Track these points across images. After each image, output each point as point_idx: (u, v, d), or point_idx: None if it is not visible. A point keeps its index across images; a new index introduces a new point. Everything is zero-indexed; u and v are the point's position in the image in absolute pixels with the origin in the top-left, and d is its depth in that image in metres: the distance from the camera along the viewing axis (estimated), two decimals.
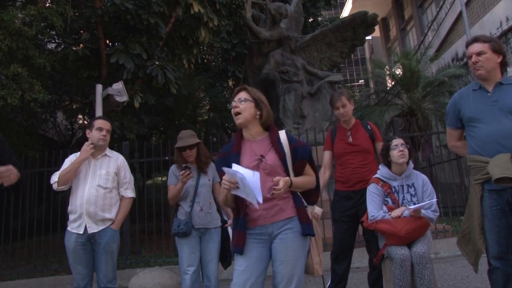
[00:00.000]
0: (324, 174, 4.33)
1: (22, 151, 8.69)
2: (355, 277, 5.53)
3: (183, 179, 3.98)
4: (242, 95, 2.73)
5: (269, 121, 2.77)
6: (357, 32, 9.53)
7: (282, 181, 2.53)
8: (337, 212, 4.24)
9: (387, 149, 3.93)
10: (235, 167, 2.49)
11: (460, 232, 3.27)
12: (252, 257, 2.61)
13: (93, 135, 3.94)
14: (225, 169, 2.49)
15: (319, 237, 2.83)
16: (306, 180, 2.72)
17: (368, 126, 4.38)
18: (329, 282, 4.21)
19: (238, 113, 2.69)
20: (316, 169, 2.82)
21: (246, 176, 2.43)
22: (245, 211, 2.63)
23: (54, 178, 3.83)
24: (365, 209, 3.99)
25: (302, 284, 2.65)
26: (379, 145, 4.28)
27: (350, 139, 4.25)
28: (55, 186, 3.84)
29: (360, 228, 4.25)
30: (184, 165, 4.02)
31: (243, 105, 2.69)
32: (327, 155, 4.39)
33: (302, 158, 2.69)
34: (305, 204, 2.71)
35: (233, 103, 2.72)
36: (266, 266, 2.66)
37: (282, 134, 2.74)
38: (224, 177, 2.54)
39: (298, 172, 2.70)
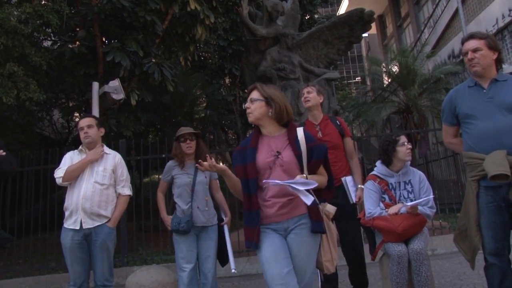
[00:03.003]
0: None
1: (18, 150, 8.66)
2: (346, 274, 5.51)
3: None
4: (254, 94, 2.79)
5: (283, 117, 2.77)
6: (353, 29, 9.50)
7: (298, 177, 2.56)
8: None
9: (393, 145, 3.89)
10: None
11: (456, 229, 3.28)
12: (277, 245, 2.61)
13: (80, 136, 3.99)
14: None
15: (332, 235, 2.80)
16: (319, 179, 2.72)
17: (337, 121, 4.31)
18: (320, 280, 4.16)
19: (250, 111, 2.75)
20: (330, 169, 2.83)
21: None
22: (259, 207, 2.64)
23: (59, 173, 3.85)
24: (339, 208, 3.97)
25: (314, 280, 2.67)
26: (348, 141, 4.24)
27: (320, 134, 4.14)
28: (59, 181, 3.86)
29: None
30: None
31: (254, 104, 2.75)
32: None
33: (317, 157, 2.71)
34: (317, 201, 2.70)
35: (247, 103, 2.78)
36: (288, 253, 2.63)
37: (300, 132, 2.75)
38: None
39: (313, 171, 2.71)
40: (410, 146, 3.86)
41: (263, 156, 2.69)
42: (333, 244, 2.80)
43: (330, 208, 2.82)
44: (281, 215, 2.63)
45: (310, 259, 2.65)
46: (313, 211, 2.65)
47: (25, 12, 7.17)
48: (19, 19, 7.26)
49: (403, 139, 3.91)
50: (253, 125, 2.90)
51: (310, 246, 2.65)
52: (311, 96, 4.25)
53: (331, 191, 2.89)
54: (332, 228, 2.82)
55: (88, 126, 3.96)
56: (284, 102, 2.77)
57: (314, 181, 2.55)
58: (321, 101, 4.31)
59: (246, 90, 13.79)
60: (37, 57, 7.48)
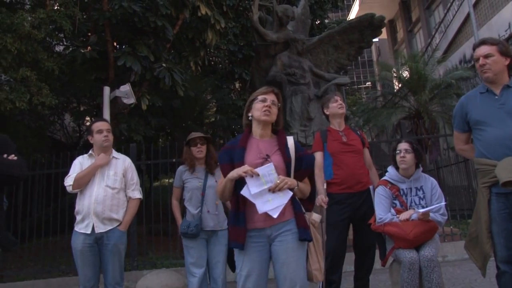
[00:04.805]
0: (321, 176, 4.15)
1: (30, 153, 8.74)
2: (351, 280, 5.48)
3: None
4: (275, 98, 2.80)
5: (280, 125, 2.84)
6: (364, 35, 9.49)
7: (290, 180, 2.60)
8: (332, 216, 4.08)
9: (394, 151, 3.94)
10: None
11: (467, 236, 3.25)
12: (253, 260, 2.63)
13: (96, 139, 3.99)
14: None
15: (319, 244, 2.83)
16: (307, 188, 2.77)
17: (358, 132, 4.43)
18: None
19: (269, 112, 2.73)
20: (314, 180, 2.90)
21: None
22: (245, 208, 2.65)
23: (69, 181, 3.86)
24: (362, 213, 4.04)
25: None
26: (367, 152, 4.32)
27: (344, 139, 4.23)
28: (69, 189, 3.88)
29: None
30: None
31: (275, 108, 2.76)
32: (319, 156, 4.22)
33: (306, 167, 2.75)
34: (303, 210, 2.73)
35: (266, 101, 2.75)
36: (267, 268, 2.69)
37: (290, 140, 2.79)
38: (244, 166, 2.58)
39: (298, 180, 2.72)
40: (403, 155, 3.83)
41: (252, 157, 2.68)
42: (320, 253, 2.81)
43: (316, 217, 2.85)
44: (265, 221, 2.61)
45: (299, 267, 2.61)
46: (300, 218, 2.66)
47: (38, 17, 7.24)
48: (32, 25, 7.33)
49: (399, 146, 3.91)
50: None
51: (298, 253, 2.62)
52: (344, 105, 4.40)
53: (312, 202, 2.94)
54: (318, 237, 2.85)
55: (107, 130, 4.01)
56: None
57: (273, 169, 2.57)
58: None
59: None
60: (50, 62, 7.56)
